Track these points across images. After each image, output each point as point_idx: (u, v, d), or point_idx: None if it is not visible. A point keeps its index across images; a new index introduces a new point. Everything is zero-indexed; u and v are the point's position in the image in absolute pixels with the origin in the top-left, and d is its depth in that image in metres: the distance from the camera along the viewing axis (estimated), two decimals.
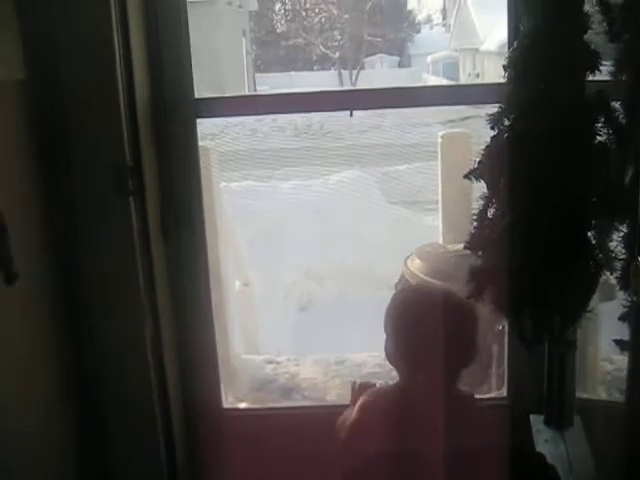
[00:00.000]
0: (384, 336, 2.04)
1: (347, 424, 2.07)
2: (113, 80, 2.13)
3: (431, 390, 1.96)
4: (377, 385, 2.22)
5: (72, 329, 2.28)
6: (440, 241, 4.76)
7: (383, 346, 2.05)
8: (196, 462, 2.59)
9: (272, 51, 20.32)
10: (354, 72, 19.28)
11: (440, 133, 5.01)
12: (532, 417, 2.42)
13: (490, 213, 1.99)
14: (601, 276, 1.96)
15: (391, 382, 2.11)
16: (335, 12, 20.04)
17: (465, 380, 2.12)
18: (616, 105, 1.90)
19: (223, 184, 4.90)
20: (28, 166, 2.11)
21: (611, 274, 1.97)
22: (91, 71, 2.13)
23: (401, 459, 1.90)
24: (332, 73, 19.62)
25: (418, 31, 22.10)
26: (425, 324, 1.94)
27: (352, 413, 2.07)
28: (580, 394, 2.49)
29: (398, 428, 1.94)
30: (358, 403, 2.07)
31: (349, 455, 2.05)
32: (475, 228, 2.02)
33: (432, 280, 3.39)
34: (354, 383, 2.25)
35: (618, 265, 1.94)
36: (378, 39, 19.98)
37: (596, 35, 1.86)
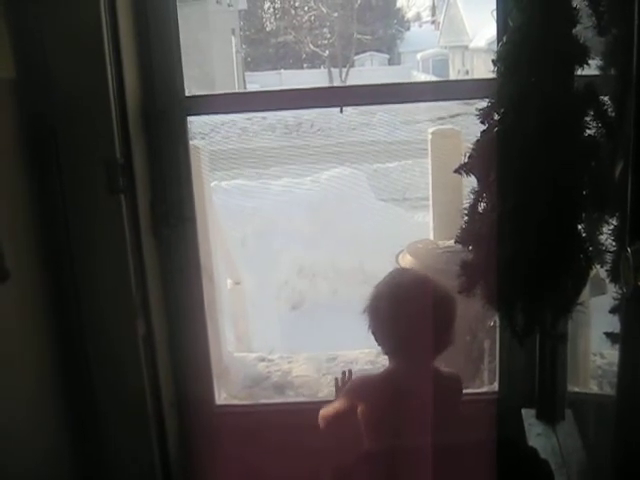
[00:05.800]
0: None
1: (330, 410, 2.14)
2: (104, 78, 2.12)
3: (412, 371, 2.02)
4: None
5: (64, 327, 2.27)
6: (431, 237, 4.78)
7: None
8: (189, 459, 2.59)
9: (261, 49, 20.35)
10: (344, 70, 19.31)
11: (430, 129, 5.02)
12: (524, 411, 2.42)
13: (480, 207, 2.00)
14: (592, 269, 1.97)
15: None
16: (324, 10, 20.07)
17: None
18: (605, 99, 1.91)
19: (214, 183, 4.90)
20: (19, 164, 2.10)
21: (601, 267, 1.98)
22: (82, 69, 2.12)
23: (388, 447, 1.93)
24: (322, 71, 19.65)
25: (407, 29, 22.18)
26: (403, 305, 1.99)
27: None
28: (571, 388, 2.51)
29: (384, 412, 1.99)
30: (346, 388, 2.14)
31: (331, 441, 2.12)
32: (466, 222, 2.02)
33: None
34: (344, 374, 2.26)
35: (608, 258, 1.96)
36: (367, 37, 20.03)
37: (585, 29, 1.86)
